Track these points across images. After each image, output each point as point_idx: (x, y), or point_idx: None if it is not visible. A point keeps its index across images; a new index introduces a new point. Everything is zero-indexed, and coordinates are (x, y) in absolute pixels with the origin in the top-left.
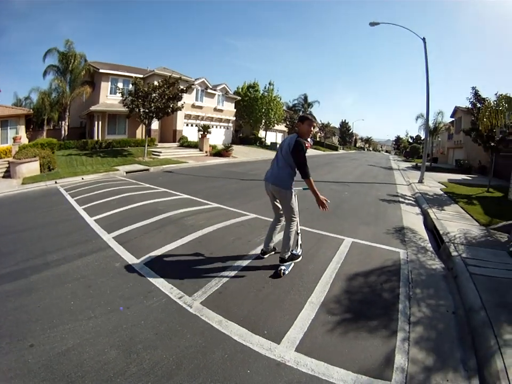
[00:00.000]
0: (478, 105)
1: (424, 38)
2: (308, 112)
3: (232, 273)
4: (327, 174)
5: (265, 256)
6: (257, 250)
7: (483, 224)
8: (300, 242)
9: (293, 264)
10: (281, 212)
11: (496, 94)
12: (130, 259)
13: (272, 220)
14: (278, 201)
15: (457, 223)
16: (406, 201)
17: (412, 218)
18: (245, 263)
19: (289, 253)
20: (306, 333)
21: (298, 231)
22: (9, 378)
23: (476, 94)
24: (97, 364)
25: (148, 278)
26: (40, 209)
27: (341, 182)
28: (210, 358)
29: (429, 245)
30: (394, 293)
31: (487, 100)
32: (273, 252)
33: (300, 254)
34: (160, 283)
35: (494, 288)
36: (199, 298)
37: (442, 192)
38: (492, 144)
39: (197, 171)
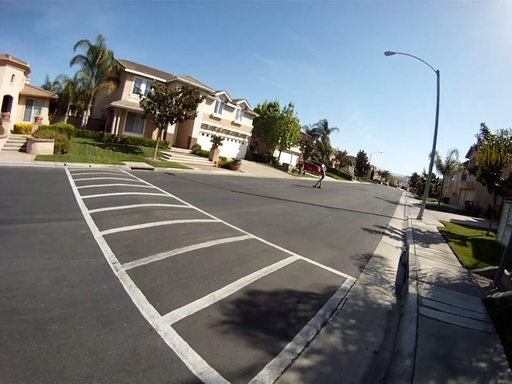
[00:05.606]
0: (486, 142)
1: (438, 70)
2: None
3: (163, 257)
4: (324, 199)
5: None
6: (198, 246)
7: (466, 266)
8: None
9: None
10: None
11: (500, 130)
12: (94, 230)
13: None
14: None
15: (436, 262)
16: (392, 234)
17: (387, 250)
18: (179, 252)
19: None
20: (190, 316)
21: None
22: None
23: (485, 131)
24: (31, 284)
25: (99, 244)
26: (43, 182)
27: (332, 208)
28: (107, 305)
29: (392, 278)
30: (307, 315)
31: (492, 136)
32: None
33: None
34: (106, 250)
35: (442, 336)
36: (126, 267)
37: (437, 231)
38: (496, 184)
39: (196, 178)
